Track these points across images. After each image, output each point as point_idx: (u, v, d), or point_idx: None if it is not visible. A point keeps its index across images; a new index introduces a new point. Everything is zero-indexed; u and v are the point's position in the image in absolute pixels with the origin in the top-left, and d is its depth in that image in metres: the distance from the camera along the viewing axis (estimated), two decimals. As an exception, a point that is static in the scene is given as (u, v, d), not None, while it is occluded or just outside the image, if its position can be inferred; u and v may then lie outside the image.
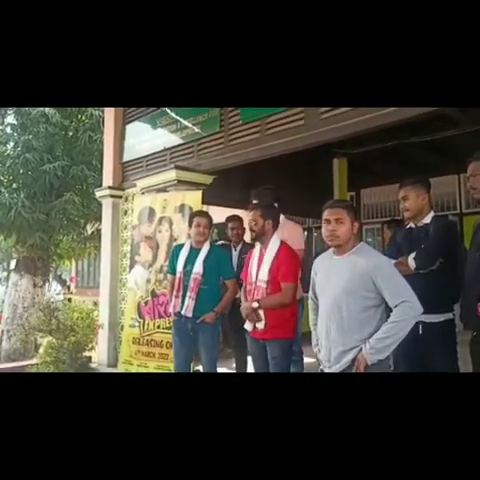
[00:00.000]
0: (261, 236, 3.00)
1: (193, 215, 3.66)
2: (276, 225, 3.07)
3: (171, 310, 3.54)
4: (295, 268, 2.95)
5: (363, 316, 2.11)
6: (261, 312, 2.88)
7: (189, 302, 3.38)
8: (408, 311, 2.03)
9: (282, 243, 3.00)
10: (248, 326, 2.99)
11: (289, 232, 3.39)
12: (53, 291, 13.41)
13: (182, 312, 3.40)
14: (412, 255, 2.55)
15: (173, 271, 3.59)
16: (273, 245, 2.97)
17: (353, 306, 2.12)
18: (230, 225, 4.18)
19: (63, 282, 14.42)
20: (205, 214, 3.66)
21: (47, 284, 9.35)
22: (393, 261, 2.51)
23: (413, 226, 2.75)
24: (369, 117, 3.30)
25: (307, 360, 3.77)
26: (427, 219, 2.68)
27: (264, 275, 2.91)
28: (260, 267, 2.96)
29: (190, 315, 3.38)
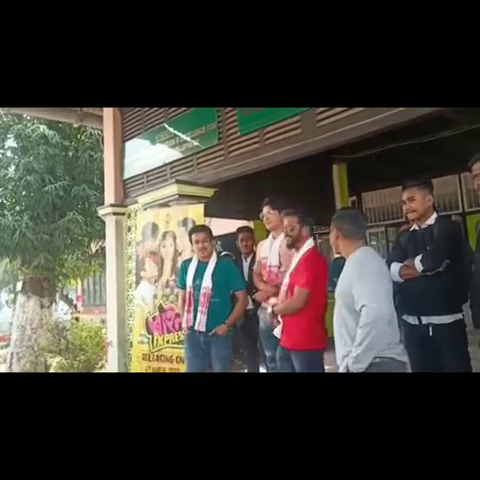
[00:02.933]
0: (297, 242, 3.07)
1: (191, 232, 3.67)
2: (311, 233, 3.16)
3: (184, 325, 3.54)
4: (312, 275, 2.93)
5: (352, 320, 2.12)
6: (280, 319, 2.99)
7: (201, 317, 3.40)
8: (365, 317, 2.00)
9: (314, 247, 3.08)
10: (276, 333, 3.07)
11: None
12: (60, 311, 13.41)
13: (195, 327, 3.41)
14: (418, 257, 2.55)
15: (183, 285, 3.60)
16: (305, 246, 3.05)
17: (346, 311, 2.16)
18: (240, 236, 4.15)
19: (70, 302, 14.42)
20: (202, 228, 3.66)
21: (54, 304, 9.36)
22: (399, 264, 2.52)
23: (417, 228, 2.75)
24: (366, 122, 3.32)
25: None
26: (431, 220, 2.69)
27: (286, 279, 3.02)
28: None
29: (203, 329, 3.39)
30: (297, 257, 3.02)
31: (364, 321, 2.00)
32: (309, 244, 3.05)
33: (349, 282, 2.12)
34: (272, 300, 3.08)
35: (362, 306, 2.01)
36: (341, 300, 2.17)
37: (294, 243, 3.05)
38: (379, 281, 2.12)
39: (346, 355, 2.11)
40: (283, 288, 3.01)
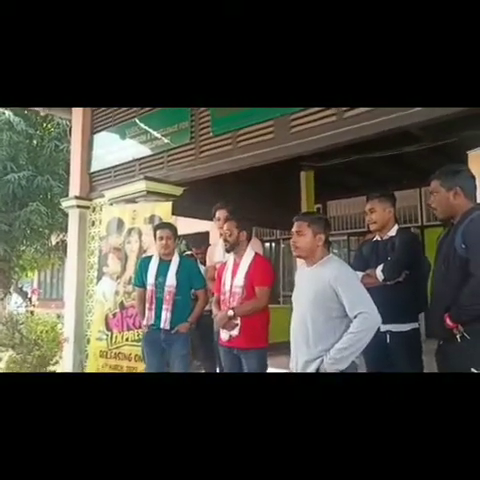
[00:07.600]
0: (235, 246, 3.09)
1: (156, 228, 3.66)
2: (250, 237, 3.18)
3: (145, 323, 3.51)
4: (269, 275, 3.09)
5: (327, 327, 2.14)
6: (238, 320, 2.94)
7: (166, 314, 3.39)
8: (364, 322, 2.04)
9: (256, 253, 3.13)
10: (224, 336, 3.02)
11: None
12: (14, 304, 12.96)
13: (161, 325, 3.39)
14: (380, 267, 2.64)
15: (141, 284, 3.59)
16: (248, 254, 3.09)
17: (317, 317, 2.15)
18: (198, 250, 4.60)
19: (24, 294, 13.94)
20: (168, 226, 3.66)
21: (8, 297, 9.05)
22: (361, 273, 2.60)
23: (379, 239, 2.85)
24: (337, 132, 3.41)
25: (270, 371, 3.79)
26: (392, 232, 2.79)
27: (240, 281, 3.00)
28: (235, 275, 3.04)
29: (168, 327, 3.39)
30: (246, 260, 3.05)
31: (360, 327, 2.03)
32: (251, 249, 3.11)
33: (329, 289, 2.12)
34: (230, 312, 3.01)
35: (359, 313, 2.04)
36: (314, 306, 2.15)
37: (232, 248, 3.09)
38: (364, 288, 2.16)
39: (312, 359, 2.14)
40: (236, 290, 2.99)
